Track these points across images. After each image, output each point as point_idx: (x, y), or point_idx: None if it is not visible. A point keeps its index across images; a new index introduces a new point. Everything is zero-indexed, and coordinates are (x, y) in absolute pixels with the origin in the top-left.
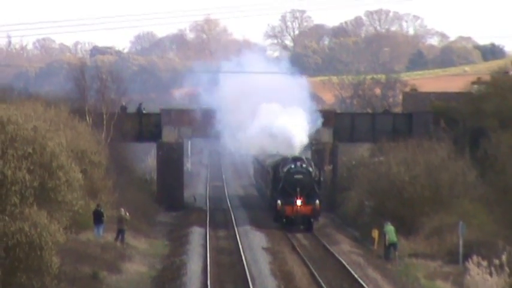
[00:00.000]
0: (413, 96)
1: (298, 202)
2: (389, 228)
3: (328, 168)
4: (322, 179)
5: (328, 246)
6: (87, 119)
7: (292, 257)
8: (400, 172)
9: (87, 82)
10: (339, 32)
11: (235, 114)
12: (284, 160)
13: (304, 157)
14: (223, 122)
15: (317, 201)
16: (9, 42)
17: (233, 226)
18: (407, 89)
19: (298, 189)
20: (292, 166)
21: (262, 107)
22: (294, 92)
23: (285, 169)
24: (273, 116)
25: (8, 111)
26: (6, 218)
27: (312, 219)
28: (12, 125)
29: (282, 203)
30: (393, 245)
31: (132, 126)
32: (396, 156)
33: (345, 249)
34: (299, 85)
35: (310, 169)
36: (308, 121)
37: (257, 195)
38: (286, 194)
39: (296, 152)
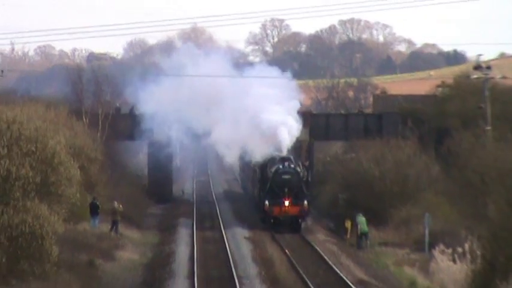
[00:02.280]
0: (383, 98)
1: (286, 203)
2: (361, 219)
3: (304, 164)
4: (310, 179)
5: (304, 236)
6: (84, 119)
7: (272, 246)
8: (371, 167)
9: (84, 85)
10: (315, 39)
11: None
12: (272, 160)
13: (292, 157)
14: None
15: (305, 202)
16: (13, 49)
17: (218, 217)
18: (377, 92)
19: (286, 190)
20: (280, 166)
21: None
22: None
23: (273, 169)
24: (261, 112)
25: (13, 112)
26: (11, 210)
27: (300, 220)
28: (16, 125)
29: (269, 204)
30: (365, 234)
31: (125, 126)
32: (367, 153)
33: (320, 239)
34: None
35: (298, 169)
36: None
37: (240, 189)
38: (274, 194)
39: (284, 151)
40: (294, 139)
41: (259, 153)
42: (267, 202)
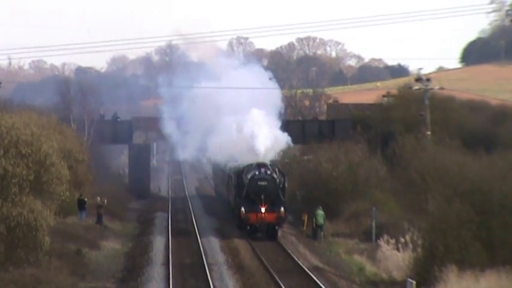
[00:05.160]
0: (335, 106)
1: (263, 209)
2: (320, 213)
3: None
4: (286, 185)
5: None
6: (72, 125)
7: (237, 236)
8: (328, 168)
9: (72, 95)
10: (276, 54)
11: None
12: (248, 166)
13: (268, 163)
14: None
15: (282, 209)
16: (10, 63)
17: (190, 211)
18: (330, 101)
19: (262, 197)
20: (257, 173)
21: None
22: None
23: (249, 175)
24: (242, 120)
25: (11, 119)
26: (10, 204)
27: (276, 227)
28: (14, 130)
29: (246, 210)
30: (320, 226)
31: (108, 131)
32: (322, 155)
33: (280, 230)
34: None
35: (275, 176)
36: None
37: (210, 187)
38: (250, 201)
39: (260, 157)
40: (278, 147)
41: (236, 158)
42: (243, 209)
